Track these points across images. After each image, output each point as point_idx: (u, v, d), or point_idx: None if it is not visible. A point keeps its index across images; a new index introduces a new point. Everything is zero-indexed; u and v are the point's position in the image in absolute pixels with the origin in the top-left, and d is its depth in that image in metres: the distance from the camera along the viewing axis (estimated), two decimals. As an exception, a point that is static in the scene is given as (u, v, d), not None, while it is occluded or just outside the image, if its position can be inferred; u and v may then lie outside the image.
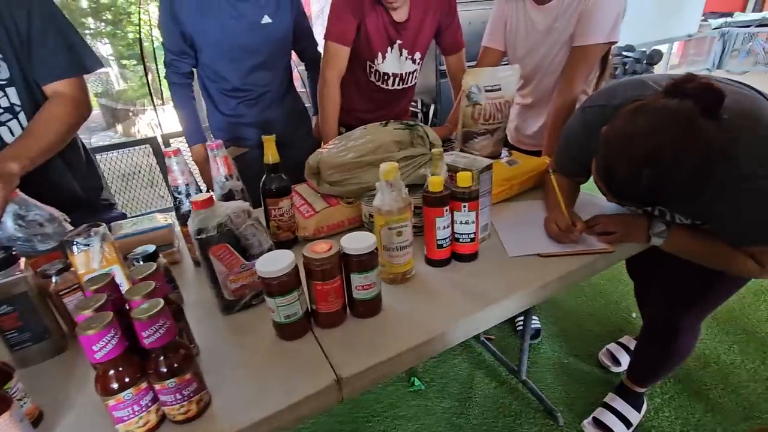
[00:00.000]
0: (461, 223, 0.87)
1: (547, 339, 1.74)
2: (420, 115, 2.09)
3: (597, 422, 1.34)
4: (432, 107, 2.11)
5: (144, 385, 0.55)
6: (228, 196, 0.90)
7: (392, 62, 1.41)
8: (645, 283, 1.46)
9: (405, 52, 1.40)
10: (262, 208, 0.98)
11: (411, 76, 1.47)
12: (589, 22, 1.15)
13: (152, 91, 3.41)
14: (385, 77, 1.44)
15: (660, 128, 0.70)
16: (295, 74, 1.87)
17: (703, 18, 6.63)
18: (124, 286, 0.72)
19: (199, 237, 0.71)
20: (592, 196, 1.16)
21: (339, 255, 0.71)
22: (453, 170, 0.92)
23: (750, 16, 7.36)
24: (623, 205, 1.04)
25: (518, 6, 1.31)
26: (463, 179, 0.84)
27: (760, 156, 0.75)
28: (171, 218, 1.04)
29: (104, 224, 0.73)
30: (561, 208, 0.95)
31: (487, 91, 1.15)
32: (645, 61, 4.17)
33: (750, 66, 6.49)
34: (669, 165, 0.69)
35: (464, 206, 0.86)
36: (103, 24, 8.05)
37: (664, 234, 0.92)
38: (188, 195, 0.86)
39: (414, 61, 1.43)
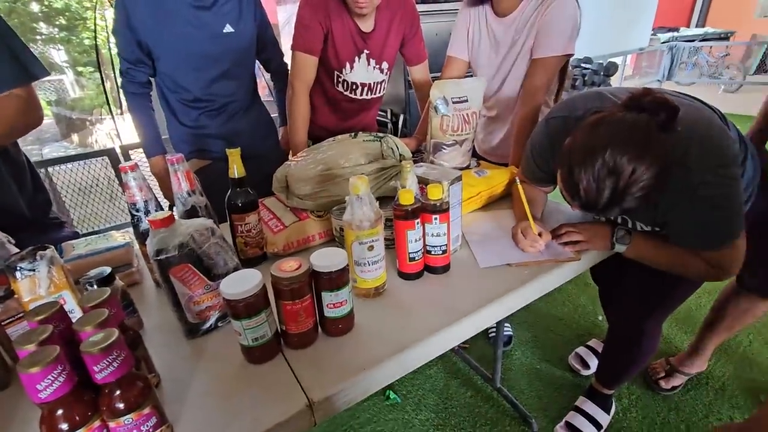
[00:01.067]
0: (433, 235, 0.87)
1: (520, 345, 1.77)
2: (390, 125, 2.10)
3: (569, 426, 1.36)
4: (401, 117, 2.12)
5: (97, 423, 0.50)
6: (191, 213, 0.86)
7: (361, 72, 1.40)
8: (608, 288, 1.51)
9: (373, 61, 1.40)
10: (228, 223, 0.95)
11: (379, 86, 1.47)
12: (547, 36, 1.19)
13: (111, 99, 3.26)
14: (354, 87, 1.43)
15: (619, 141, 0.73)
16: (263, 83, 1.84)
17: (653, 32, 7.06)
18: (77, 313, 0.66)
19: (158, 258, 0.67)
20: (557, 204, 1.19)
21: (309, 273, 0.69)
22: (423, 182, 0.92)
23: (694, 31, 7.91)
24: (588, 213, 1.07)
25: (480, 17, 1.34)
26: (434, 192, 0.84)
27: (709, 164, 0.79)
28: (129, 236, 0.98)
29: (52, 246, 0.68)
30: (527, 218, 0.97)
31: (454, 102, 1.17)
32: (602, 73, 4.38)
33: (696, 78, 6.95)
34: (628, 177, 0.72)
35: (435, 218, 0.85)
36: (56, 29, 7.63)
37: (627, 241, 0.96)
38: (147, 212, 0.82)
39: (382, 71, 1.44)
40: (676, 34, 7.47)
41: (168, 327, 0.78)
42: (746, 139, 0.98)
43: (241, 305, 0.63)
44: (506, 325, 1.79)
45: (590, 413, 1.36)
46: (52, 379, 0.46)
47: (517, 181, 1.00)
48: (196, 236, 0.70)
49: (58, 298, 0.66)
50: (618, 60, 5.07)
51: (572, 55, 1.24)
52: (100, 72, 2.22)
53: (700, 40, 7.19)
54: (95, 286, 0.70)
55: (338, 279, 0.70)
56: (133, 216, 0.83)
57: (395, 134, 2.12)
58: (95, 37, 2.26)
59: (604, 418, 1.37)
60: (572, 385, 1.55)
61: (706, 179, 0.79)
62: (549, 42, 1.20)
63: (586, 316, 1.92)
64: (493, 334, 1.67)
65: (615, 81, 5.05)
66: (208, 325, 0.75)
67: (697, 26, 8.91)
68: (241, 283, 0.64)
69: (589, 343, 1.67)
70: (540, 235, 0.96)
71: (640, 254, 0.97)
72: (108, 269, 0.73)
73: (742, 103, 5.46)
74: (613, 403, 1.41)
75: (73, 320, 0.55)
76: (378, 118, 2.18)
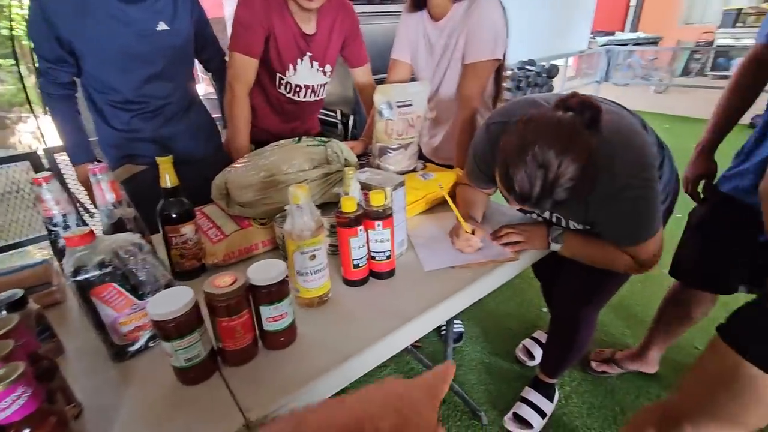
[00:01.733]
0: (376, 241, 0.87)
1: (470, 340, 1.82)
2: (340, 126, 2.08)
3: (516, 417, 1.42)
4: (351, 118, 2.10)
5: (1, 468, 0.46)
6: (117, 226, 0.80)
7: (304, 74, 1.38)
8: (548, 283, 1.59)
9: (316, 64, 1.38)
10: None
11: (322, 88, 1.46)
12: (473, 42, 1.24)
13: (34, 95, 2.99)
14: (297, 89, 1.40)
15: (547, 137, 0.77)
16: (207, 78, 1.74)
17: (592, 36, 7.48)
18: (-20, 343, 0.60)
19: (76, 279, 0.62)
20: (499, 206, 1.23)
21: (246, 287, 0.66)
22: (367, 188, 0.91)
23: (628, 35, 8.48)
24: (526, 213, 1.12)
25: (418, 21, 1.36)
26: (376, 198, 0.84)
27: (633, 169, 0.85)
28: (48, 251, 0.90)
29: (-50, 270, 0.61)
30: (458, 219, 1.00)
31: (398, 107, 1.17)
32: (545, 74, 4.59)
33: (630, 79, 7.45)
34: (556, 170, 0.76)
35: (378, 225, 0.85)
36: (-32, 17, 6.82)
37: (561, 239, 1.01)
38: (66, 227, 0.76)
39: (325, 73, 1.42)
40: (612, 38, 7.97)
41: (93, 350, 0.72)
42: (664, 143, 1.05)
43: (170, 326, 0.60)
44: (457, 322, 1.83)
45: (535, 402, 1.43)
46: (-59, 425, 0.41)
47: (440, 186, 1.03)
48: (120, 253, 0.66)
49: (-44, 327, 0.59)
50: (560, 62, 5.34)
51: (500, 59, 1.28)
52: (18, 66, 2.02)
53: (633, 44, 7.72)
54: (4, 312, 0.64)
55: (277, 292, 0.68)
56: (50, 231, 0.76)
57: (345, 135, 2.11)
58: (11, 27, 2.05)
59: (548, 407, 1.44)
60: (520, 377, 1.62)
61: (630, 183, 0.85)
62: (475, 48, 1.24)
63: (532, 309, 2.01)
64: (445, 331, 1.71)
65: (557, 82, 5.31)
66: (137, 346, 0.71)
67: (630, 31, 9.55)
68: (170, 301, 0.60)
69: (534, 334, 1.75)
70: (473, 232, 0.99)
71: (574, 252, 1.03)
72: (20, 292, 0.67)
73: (670, 104, 5.95)
74: (557, 391, 1.49)
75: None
76: (328, 119, 2.15)
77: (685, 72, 8.11)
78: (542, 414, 1.42)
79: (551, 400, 1.46)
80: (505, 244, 1.02)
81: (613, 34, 8.44)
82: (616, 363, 1.60)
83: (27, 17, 1.15)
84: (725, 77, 7.15)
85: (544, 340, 1.70)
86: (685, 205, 1.31)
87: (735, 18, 7.70)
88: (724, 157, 1.27)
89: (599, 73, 6.69)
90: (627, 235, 0.93)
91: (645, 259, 0.95)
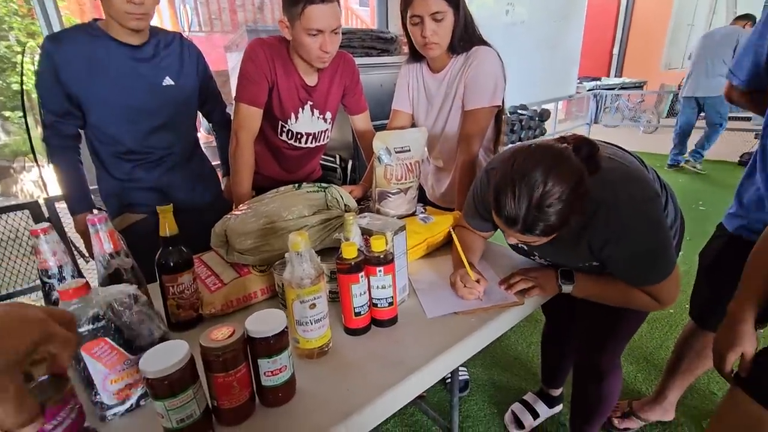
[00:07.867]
0: (378, 287, 0.85)
1: (477, 389, 1.74)
2: (338, 171, 2.11)
3: None
4: (350, 163, 2.14)
5: None
6: (114, 276, 0.78)
7: (305, 122, 1.42)
8: (556, 322, 1.50)
9: (317, 112, 1.42)
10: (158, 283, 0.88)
11: (323, 134, 1.49)
12: (473, 90, 1.28)
13: (37, 146, 3.05)
14: (299, 136, 1.44)
15: (535, 159, 0.78)
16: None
17: (579, 81, 7.82)
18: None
19: (67, 334, 0.59)
20: (504, 249, 1.21)
21: (243, 340, 0.64)
22: (367, 233, 0.91)
23: (613, 80, 8.87)
24: (529, 256, 1.10)
25: (417, 73, 1.42)
26: (377, 244, 0.83)
27: (637, 204, 0.85)
28: (41, 304, 0.88)
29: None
30: (464, 264, 0.98)
31: (397, 152, 1.19)
32: (537, 118, 4.76)
33: (619, 121, 7.71)
34: (542, 189, 0.75)
35: (380, 270, 0.84)
36: (-19, 74, 7.08)
37: (571, 281, 0.99)
38: (62, 279, 0.74)
39: (326, 121, 1.46)
40: (599, 83, 8.33)
41: (80, 411, 0.68)
42: (666, 183, 1.06)
43: (164, 383, 0.57)
44: (462, 369, 1.76)
45: None
46: None
47: (451, 229, 1.02)
48: (115, 305, 0.64)
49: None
50: (551, 106, 5.54)
51: (499, 106, 1.32)
52: (26, 118, 2.07)
53: (619, 89, 8.06)
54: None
55: (276, 344, 0.65)
56: (44, 283, 0.74)
57: (344, 179, 2.13)
58: (21, 81, 2.13)
59: None
60: (533, 430, 1.53)
61: (636, 220, 0.85)
62: (475, 96, 1.28)
63: (539, 354, 1.94)
64: (450, 379, 1.64)
65: (549, 124, 5.49)
66: (128, 405, 0.67)
67: (615, 76, 9.99)
68: (164, 357, 0.58)
69: (524, 397, 1.62)
70: (478, 281, 0.96)
71: (587, 291, 1.00)
72: (7, 349, 0.64)
73: (660, 143, 6.10)
74: None
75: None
76: (326, 163, 2.19)
77: (671, 113, 8.39)
78: None
79: None
80: (517, 292, 0.99)
81: (599, 79, 8.82)
82: (635, 415, 1.52)
83: (36, 71, 1.19)
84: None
85: (534, 404, 1.57)
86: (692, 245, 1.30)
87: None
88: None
89: (589, 115, 6.94)
90: (641, 276, 0.91)
91: (662, 297, 0.93)
